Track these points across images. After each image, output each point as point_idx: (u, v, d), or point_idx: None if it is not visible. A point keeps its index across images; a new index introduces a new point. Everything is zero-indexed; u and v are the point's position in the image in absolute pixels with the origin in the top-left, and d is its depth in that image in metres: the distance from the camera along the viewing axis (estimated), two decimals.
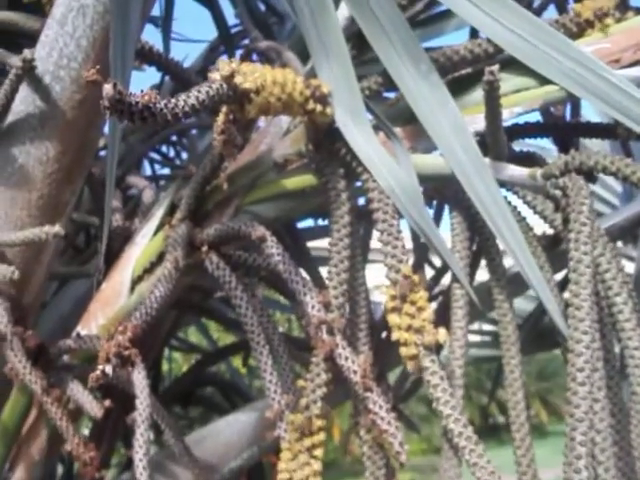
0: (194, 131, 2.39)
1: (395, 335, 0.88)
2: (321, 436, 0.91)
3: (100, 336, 1.27)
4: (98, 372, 0.81)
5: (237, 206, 1.23)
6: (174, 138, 2.45)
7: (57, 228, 1.10)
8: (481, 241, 1.10)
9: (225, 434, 1.54)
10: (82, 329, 1.37)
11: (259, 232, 1.05)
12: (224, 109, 0.93)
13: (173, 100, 0.73)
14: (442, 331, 0.87)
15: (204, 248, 1.18)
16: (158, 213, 1.35)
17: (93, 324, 1.37)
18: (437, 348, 0.88)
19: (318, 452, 0.90)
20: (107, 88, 0.63)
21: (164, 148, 2.52)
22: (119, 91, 0.64)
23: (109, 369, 0.82)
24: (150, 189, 1.59)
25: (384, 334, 1.56)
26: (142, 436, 1.09)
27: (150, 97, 0.68)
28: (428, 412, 11.91)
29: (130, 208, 1.62)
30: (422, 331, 0.87)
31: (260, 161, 1.20)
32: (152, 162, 2.48)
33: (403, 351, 0.87)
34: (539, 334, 1.76)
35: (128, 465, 1.83)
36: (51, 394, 1.20)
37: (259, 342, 1.08)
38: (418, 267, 1.33)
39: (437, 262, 1.46)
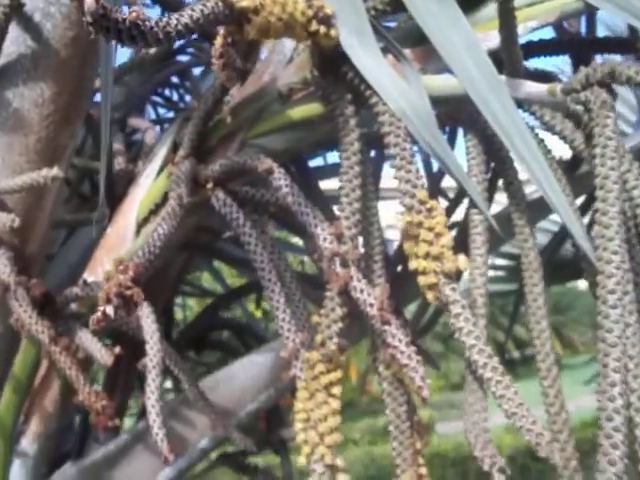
0: (197, 73, 2.32)
1: (412, 264, 0.83)
2: (338, 373, 0.87)
3: None
4: (99, 314, 0.76)
5: (242, 140, 1.18)
6: (176, 81, 2.39)
7: (56, 171, 1.06)
8: (498, 165, 1.05)
9: (240, 377, 1.50)
10: (89, 276, 1.34)
11: (266, 164, 1.00)
12: (222, 31, 0.87)
13: (165, 18, 0.68)
14: (462, 257, 0.82)
15: (209, 185, 1.13)
16: (161, 153, 1.30)
17: (100, 270, 1.33)
18: (457, 276, 0.84)
19: (336, 390, 0.86)
20: (89, 2, 0.58)
21: (167, 92, 2.47)
22: (103, 5, 0.59)
23: (110, 310, 0.77)
24: (153, 130, 1.54)
25: (399, 268, 1.53)
26: (154, 382, 1.05)
27: (138, 15, 0.63)
28: (444, 349, 11.97)
29: (134, 152, 1.57)
30: (441, 258, 0.82)
31: (264, 91, 1.15)
32: (155, 106, 2.42)
33: (421, 280, 0.83)
34: (555, 267, 1.72)
35: (144, 413, 1.80)
36: (59, 343, 1.16)
37: (270, 279, 1.04)
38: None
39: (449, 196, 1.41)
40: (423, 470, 0.95)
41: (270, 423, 1.85)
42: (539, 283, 0.97)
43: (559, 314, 12.24)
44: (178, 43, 2.19)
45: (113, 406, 1.15)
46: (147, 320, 1.12)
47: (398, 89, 0.94)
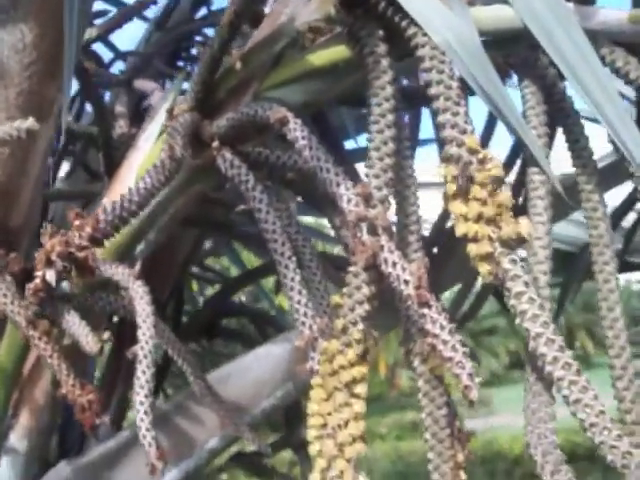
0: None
1: (461, 228, 0.65)
2: (364, 368, 0.69)
3: (103, 260, 1.06)
4: (37, 281, 0.59)
5: (255, 92, 1.01)
6: (195, 53, 2.22)
7: (31, 122, 0.89)
8: (560, 119, 0.87)
9: (255, 370, 1.33)
10: None
11: (279, 113, 0.83)
12: None
13: None
14: (524, 221, 0.64)
15: (215, 144, 0.96)
16: (163, 112, 1.12)
17: None
18: (518, 245, 0.65)
19: (360, 389, 0.69)
20: None
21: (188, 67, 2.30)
22: None
23: (51, 275, 0.59)
24: (160, 91, 1.36)
25: (435, 250, 1.35)
26: (144, 374, 0.88)
27: None
28: (474, 345, 11.79)
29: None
30: (498, 221, 0.64)
31: (280, 33, 0.98)
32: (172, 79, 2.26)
33: (472, 249, 0.64)
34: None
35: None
36: (38, 326, 0.99)
37: (283, 253, 0.86)
38: None
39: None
40: None
41: (289, 422, 1.68)
42: (611, 261, 0.79)
43: (590, 312, 12.01)
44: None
45: (100, 401, 0.98)
46: (141, 302, 0.95)
47: (441, 18, 0.77)
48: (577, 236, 2.78)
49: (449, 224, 1.34)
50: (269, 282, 2.50)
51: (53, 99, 1.08)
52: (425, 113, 1.43)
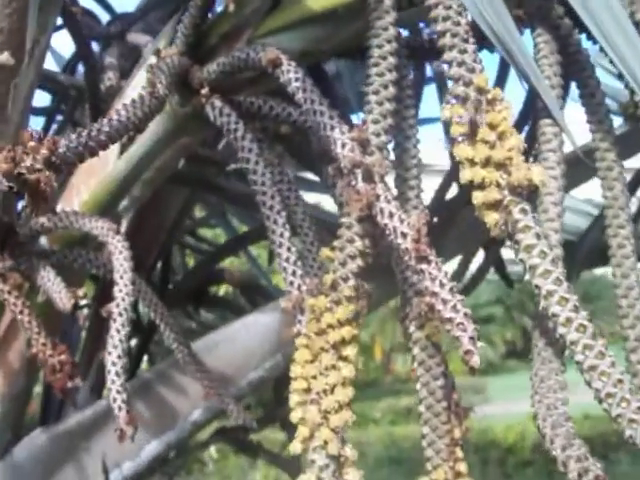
0: None
1: (466, 174, 0.58)
2: (354, 329, 0.63)
3: (82, 214, 0.99)
4: None
5: (249, 38, 0.94)
6: None
7: (5, 56, 0.83)
8: (575, 72, 0.80)
9: (242, 339, 1.27)
10: (64, 206, 1.11)
11: (272, 54, 0.76)
12: None
13: None
14: (537, 168, 0.58)
15: (204, 90, 0.90)
16: (152, 59, 1.06)
17: (75, 200, 1.11)
18: (529, 195, 0.59)
19: (349, 351, 0.62)
20: None
21: None
22: None
23: None
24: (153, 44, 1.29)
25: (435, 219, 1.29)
26: (118, 332, 0.83)
27: None
28: None
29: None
30: (507, 166, 0.57)
31: None
32: None
33: (479, 197, 0.58)
34: (591, 251, 1.48)
35: (131, 375, 1.58)
36: (8, 280, 0.93)
37: (272, 206, 0.80)
38: None
39: None
40: (462, 466, 0.71)
41: (277, 396, 1.62)
42: (626, 225, 0.73)
43: (588, 303, 12.00)
44: None
45: (73, 362, 0.92)
46: (119, 256, 0.89)
47: None
48: (576, 224, 2.72)
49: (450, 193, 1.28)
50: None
51: (36, 40, 1.01)
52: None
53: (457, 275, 1.28)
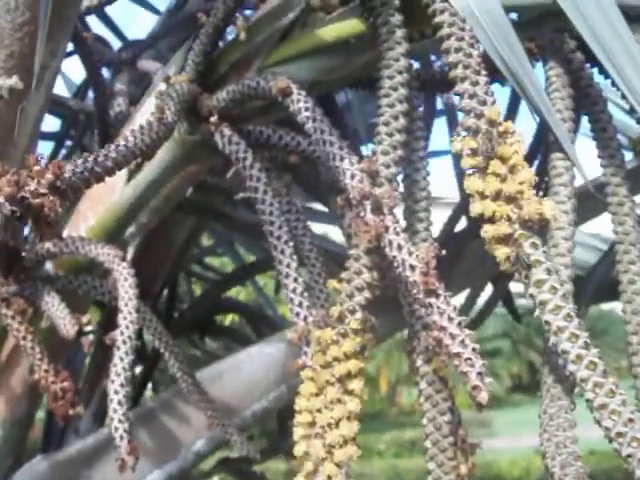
0: None
1: (476, 207, 0.57)
2: (360, 362, 0.62)
3: (89, 240, 0.99)
4: None
5: (260, 67, 0.94)
6: None
7: (14, 80, 0.82)
8: (586, 106, 0.80)
9: (247, 369, 1.26)
10: (71, 232, 1.10)
11: (282, 83, 0.76)
12: None
13: None
14: (548, 202, 0.57)
15: (214, 118, 0.89)
16: (162, 85, 1.06)
17: (82, 226, 1.11)
18: (541, 229, 0.58)
19: (355, 385, 0.61)
20: None
21: None
22: None
23: None
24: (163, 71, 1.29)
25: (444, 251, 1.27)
26: (122, 360, 0.82)
27: None
28: None
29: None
30: (518, 200, 0.56)
31: (289, 4, 0.91)
32: None
33: (489, 231, 0.57)
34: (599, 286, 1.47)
35: (133, 403, 1.57)
36: (12, 305, 0.92)
37: (280, 236, 0.79)
38: None
39: None
40: None
41: (282, 427, 1.60)
42: (637, 261, 0.72)
43: (594, 338, 11.87)
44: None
45: (75, 389, 0.91)
46: (124, 283, 0.88)
47: None
48: (584, 259, 2.70)
49: (458, 225, 1.27)
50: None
51: (46, 65, 1.01)
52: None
53: (465, 309, 1.27)
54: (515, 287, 1.57)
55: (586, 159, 0.82)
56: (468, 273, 1.25)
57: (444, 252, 1.24)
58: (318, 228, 2.08)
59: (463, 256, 1.25)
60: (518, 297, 1.70)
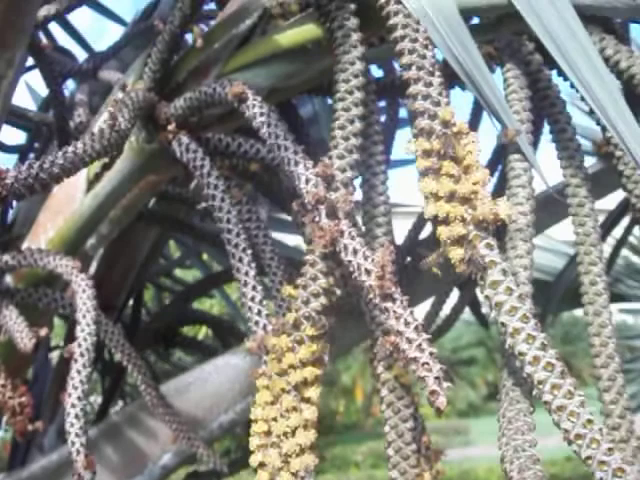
0: None
1: (430, 209, 0.57)
2: (316, 369, 0.61)
3: (47, 252, 0.97)
4: None
5: (218, 74, 0.92)
6: None
7: None
8: (546, 107, 0.79)
9: (213, 381, 1.25)
10: (30, 243, 1.09)
11: (237, 88, 0.75)
12: None
13: None
14: (503, 202, 0.56)
15: (171, 126, 0.88)
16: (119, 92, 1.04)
17: (42, 238, 1.09)
18: (496, 231, 0.57)
19: (311, 392, 0.60)
20: None
21: None
22: None
23: None
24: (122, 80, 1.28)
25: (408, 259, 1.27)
26: (79, 373, 0.80)
27: None
28: (450, 373, 11.68)
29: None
30: (472, 200, 0.56)
31: (246, 10, 0.90)
32: None
33: (443, 233, 0.56)
34: (568, 292, 1.47)
35: (99, 417, 1.55)
36: None
37: (237, 244, 0.78)
38: None
39: None
40: None
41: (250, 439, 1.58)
42: (598, 262, 0.72)
43: (568, 344, 11.95)
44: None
45: (34, 404, 0.89)
46: (82, 295, 0.87)
47: None
48: (552, 264, 2.71)
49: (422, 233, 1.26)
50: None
51: (2, 74, 0.99)
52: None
53: (431, 316, 1.26)
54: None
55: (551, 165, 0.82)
56: (434, 280, 1.24)
57: (409, 260, 1.23)
58: (291, 239, 2.07)
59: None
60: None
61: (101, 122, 1.00)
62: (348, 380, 12.15)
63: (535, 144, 0.89)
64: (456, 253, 0.56)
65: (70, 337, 1.36)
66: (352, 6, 0.76)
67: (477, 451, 9.53)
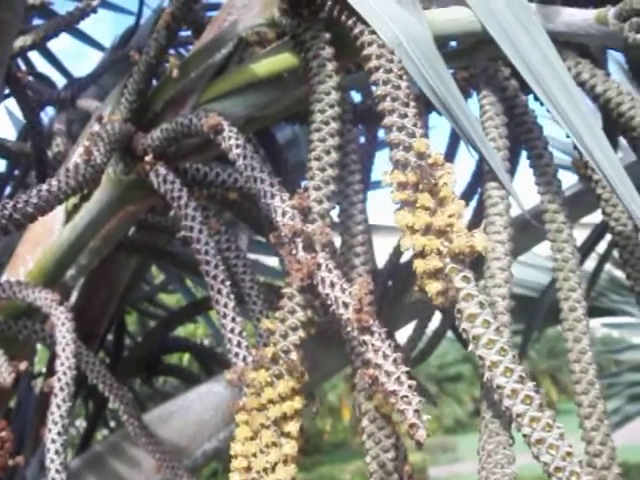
0: None
1: (406, 242, 0.56)
2: (296, 403, 0.61)
3: (26, 284, 0.97)
4: None
5: (194, 105, 0.92)
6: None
7: None
8: (522, 134, 0.80)
9: (196, 409, 1.24)
10: (9, 275, 1.08)
11: (212, 120, 0.75)
12: None
13: None
14: (480, 235, 0.56)
15: (148, 157, 0.88)
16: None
17: (21, 270, 1.08)
18: (472, 264, 0.57)
19: (291, 427, 0.60)
20: None
21: None
22: None
23: None
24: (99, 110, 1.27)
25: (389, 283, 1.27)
26: (58, 408, 0.80)
27: None
28: (438, 391, 11.69)
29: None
30: (448, 233, 0.55)
31: (222, 40, 0.90)
32: None
33: (420, 266, 0.56)
34: (553, 307, 1.46)
35: (83, 447, 1.53)
36: None
37: (216, 276, 0.78)
38: None
39: None
40: None
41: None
42: (577, 287, 0.72)
43: (554, 358, 11.97)
44: None
45: (14, 439, 0.88)
46: (62, 328, 0.86)
47: (390, 15, 0.69)
48: (537, 280, 2.71)
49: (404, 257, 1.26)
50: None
51: None
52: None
53: (413, 339, 1.26)
54: None
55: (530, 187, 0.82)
56: (416, 303, 1.24)
57: (390, 283, 1.23)
58: (272, 261, 2.06)
59: (410, 286, 1.25)
60: None
61: (76, 156, 1.00)
62: (335, 399, 12.12)
63: (512, 170, 0.89)
64: (432, 287, 0.55)
65: (51, 367, 1.35)
66: (327, 35, 0.76)
67: (465, 467, 9.51)
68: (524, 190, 0.84)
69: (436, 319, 1.31)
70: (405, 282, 1.24)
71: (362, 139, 1.27)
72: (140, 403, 1.82)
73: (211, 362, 1.71)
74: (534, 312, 1.78)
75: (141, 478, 1.22)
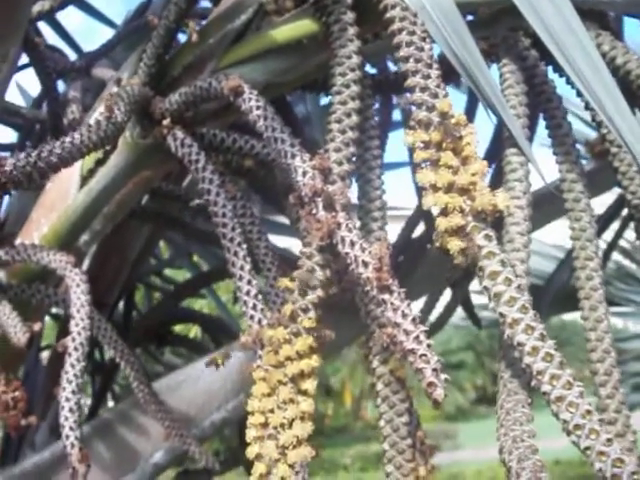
0: None
1: (428, 200, 0.57)
2: (313, 361, 0.61)
3: (40, 246, 0.97)
4: None
5: (213, 69, 0.92)
6: None
7: None
8: (541, 103, 0.79)
9: (205, 379, 1.24)
10: (23, 240, 1.08)
11: (233, 82, 0.75)
12: None
13: None
14: (502, 194, 0.56)
15: (166, 121, 0.88)
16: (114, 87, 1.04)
17: (35, 234, 1.08)
18: (494, 222, 0.57)
19: (308, 384, 0.60)
20: None
21: None
22: None
23: None
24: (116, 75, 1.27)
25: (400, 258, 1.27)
26: (72, 367, 0.80)
27: None
28: None
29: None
30: (471, 191, 0.56)
31: (242, 5, 0.90)
32: None
33: (442, 224, 0.56)
34: (557, 296, 1.47)
35: (91, 415, 1.54)
36: None
37: (233, 238, 0.78)
38: None
39: None
40: None
41: (242, 436, 1.58)
42: (594, 256, 0.72)
43: (559, 348, 11.98)
44: None
45: (27, 399, 0.89)
46: (76, 290, 0.86)
47: None
48: (542, 268, 2.71)
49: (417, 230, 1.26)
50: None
51: None
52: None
53: (423, 314, 1.26)
54: (478, 299, 1.57)
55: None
56: (427, 278, 1.25)
57: (402, 258, 1.23)
58: (280, 241, 2.07)
59: (421, 262, 1.25)
60: (481, 309, 1.70)
61: (97, 114, 1.00)
62: (337, 384, 12.16)
63: (530, 139, 0.88)
64: (454, 244, 0.55)
65: (62, 335, 1.36)
66: (349, 0, 0.76)
67: (465, 455, 9.55)
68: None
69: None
70: (416, 257, 1.24)
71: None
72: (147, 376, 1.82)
73: (219, 333, 1.72)
74: (539, 300, 1.78)
75: (149, 446, 1.23)
